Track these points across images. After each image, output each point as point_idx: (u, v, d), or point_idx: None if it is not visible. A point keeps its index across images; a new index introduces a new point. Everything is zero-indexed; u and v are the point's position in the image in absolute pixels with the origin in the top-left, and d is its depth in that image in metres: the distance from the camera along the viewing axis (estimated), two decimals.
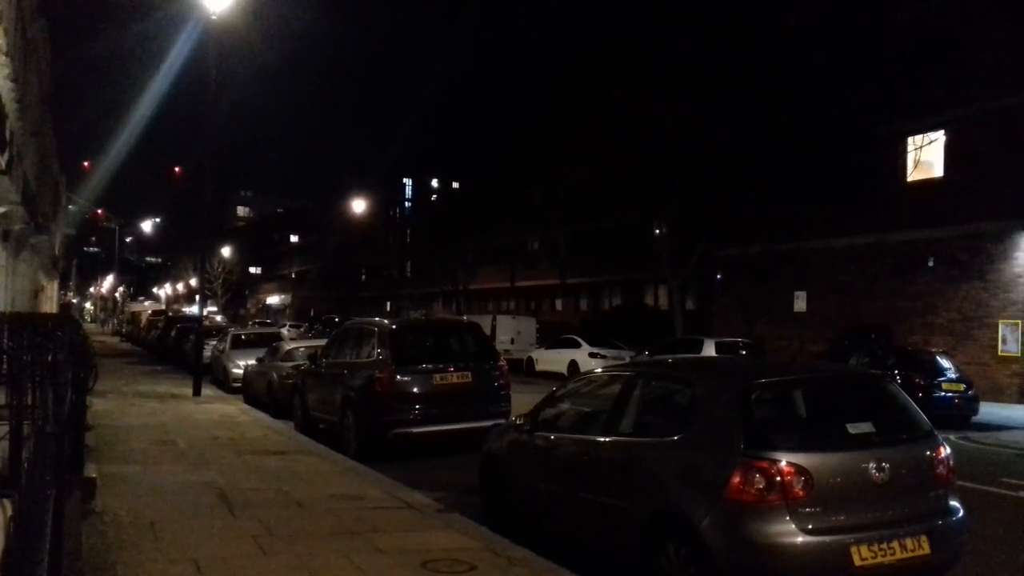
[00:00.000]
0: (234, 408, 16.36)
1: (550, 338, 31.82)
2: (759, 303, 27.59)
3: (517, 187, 42.75)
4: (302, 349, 17.03)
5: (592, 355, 26.22)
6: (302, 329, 46.02)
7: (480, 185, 49.27)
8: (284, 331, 31.33)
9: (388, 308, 66.88)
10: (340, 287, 73.02)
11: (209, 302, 66.94)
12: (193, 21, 18.65)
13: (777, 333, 27.07)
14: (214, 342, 24.23)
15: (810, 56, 25.52)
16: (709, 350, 22.25)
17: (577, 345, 27.63)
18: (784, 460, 4.99)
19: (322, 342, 16.05)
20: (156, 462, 9.86)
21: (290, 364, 16.27)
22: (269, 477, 9.04)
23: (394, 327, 12.26)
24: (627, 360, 23.41)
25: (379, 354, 11.61)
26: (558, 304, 49.56)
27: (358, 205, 53.68)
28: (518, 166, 43.92)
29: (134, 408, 15.56)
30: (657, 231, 30.70)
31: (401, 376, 11.21)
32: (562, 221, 42.13)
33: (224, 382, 21.19)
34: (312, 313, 74.01)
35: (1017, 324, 20.75)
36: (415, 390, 11.23)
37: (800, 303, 26.87)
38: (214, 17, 17.94)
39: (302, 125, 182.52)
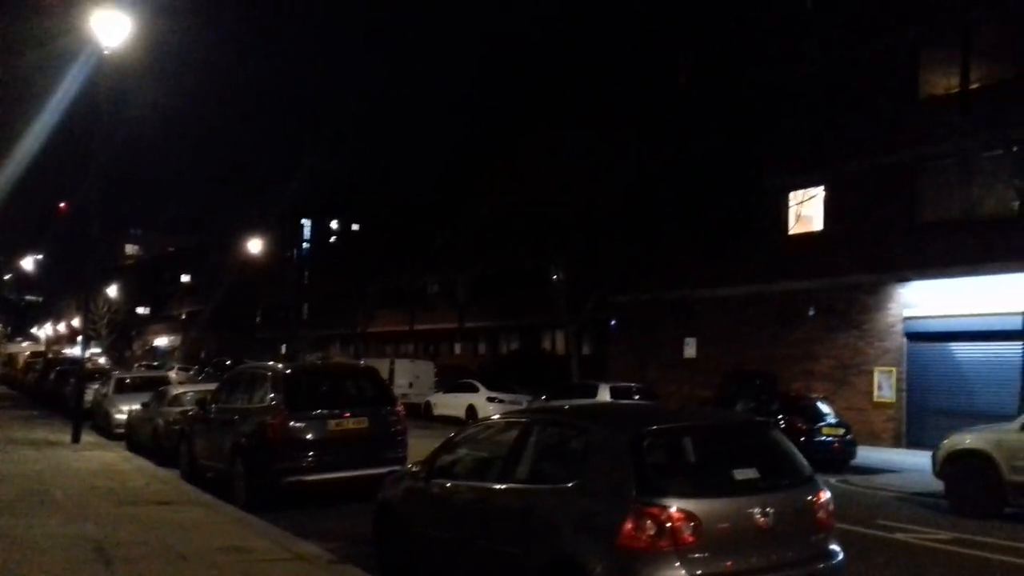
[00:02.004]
0: (116, 455, 15.72)
1: (448, 382, 31.69)
2: (651, 349, 28.25)
3: (417, 230, 42.79)
4: (191, 394, 16.52)
5: (490, 399, 26.23)
6: (191, 372, 44.41)
7: (380, 227, 48.99)
8: (172, 374, 30.31)
9: (284, 351, 65.24)
10: (234, 329, 70.84)
11: (92, 343, 63.89)
12: (85, 55, 18.07)
13: (668, 377, 27.71)
14: (96, 386, 23.37)
15: (702, 111, 26.65)
16: (604, 395, 22.59)
17: (475, 389, 27.60)
18: (675, 506, 5.10)
19: (212, 386, 15.58)
20: (28, 514, 9.33)
21: (178, 409, 15.76)
22: (151, 529, 8.67)
23: (288, 371, 12.05)
24: (524, 404, 23.52)
25: (272, 399, 11.34)
26: (457, 348, 49.45)
27: (254, 245, 52.55)
28: (418, 209, 43.98)
29: (6, 455, 14.73)
30: (554, 276, 31.18)
31: (295, 422, 10.95)
32: (461, 265, 42.24)
33: (106, 428, 20.38)
34: (203, 355, 71.47)
35: (891, 372, 21.85)
36: (309, 436, 10.99)
37: (690, 349, 27.61)
38: (107, 52, 17.49)
39: (197, 163, 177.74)
